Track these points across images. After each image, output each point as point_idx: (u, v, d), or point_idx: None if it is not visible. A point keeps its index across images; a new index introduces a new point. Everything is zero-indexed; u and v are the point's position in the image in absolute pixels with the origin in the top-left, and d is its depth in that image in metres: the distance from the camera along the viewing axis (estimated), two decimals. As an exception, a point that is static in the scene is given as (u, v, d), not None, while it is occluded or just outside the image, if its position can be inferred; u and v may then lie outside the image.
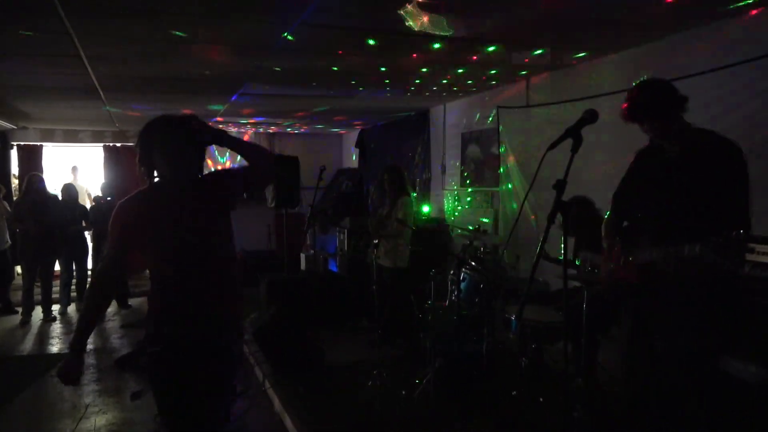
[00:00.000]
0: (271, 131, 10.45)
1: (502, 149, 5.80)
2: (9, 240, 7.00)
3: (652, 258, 2.46)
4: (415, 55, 4.33)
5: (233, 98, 6.30)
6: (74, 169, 9.82)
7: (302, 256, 9.02)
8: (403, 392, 4.04)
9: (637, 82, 2.66)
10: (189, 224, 2.21)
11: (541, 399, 3.66)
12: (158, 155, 2.23)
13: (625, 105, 2.58)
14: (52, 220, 6.73)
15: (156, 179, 2.29)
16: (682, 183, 2.48)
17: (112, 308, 7.71)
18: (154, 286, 2.29)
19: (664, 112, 2.50)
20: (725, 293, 2.44)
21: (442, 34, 3.74)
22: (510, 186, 5.68)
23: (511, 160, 5.65)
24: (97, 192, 8.61)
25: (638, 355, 2.63)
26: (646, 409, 2.62)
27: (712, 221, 2.29)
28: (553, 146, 2.11)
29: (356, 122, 9.27)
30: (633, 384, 2.71)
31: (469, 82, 5.53)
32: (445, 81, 5.48)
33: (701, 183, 2.41)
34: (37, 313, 7.10)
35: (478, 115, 6.36)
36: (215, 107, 7.00)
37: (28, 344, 6.07)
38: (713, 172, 2.40)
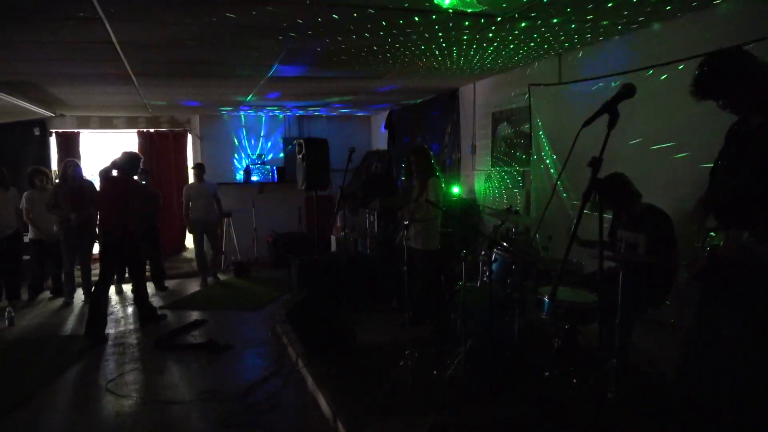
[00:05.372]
0: (300, 114, 10.48)
1: (534, 127, 5.69)
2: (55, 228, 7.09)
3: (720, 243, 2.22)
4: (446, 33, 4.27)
5: (262, 83, 6.33)
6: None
7: (332, 238, 9.08)
8: (435, 372, 4.06)
9: (707, 53, 2.34)
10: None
11: (574, 380, 3.63)
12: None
13: (693, 82, 2.31)
14: (89, 205, 6.88)
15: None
16: (756, 159, 2.22)
17: (149, 290, 7.91)
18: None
19: (737, 85, 2.23)
20: None
21: (472, 10, 3.67)
22: (542, 165, 5.58)
23: (543, 138, 5.54)
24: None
25: (702, 342, 2.49)
26: (703, 397, 2.50)
27: None
28: (588, 122, 2.05)
29: (385, 104, 9.21)
30: (690, 371, 2.58)
31: (500, 59, 5.42)
32: (475, 60, 5.38)
33: None
34: (79, 295, 7.36)
35: (509, 94, 6.25)
36: (244, 95, 7.05)
37: (70, 325, 6.31)
38: None
